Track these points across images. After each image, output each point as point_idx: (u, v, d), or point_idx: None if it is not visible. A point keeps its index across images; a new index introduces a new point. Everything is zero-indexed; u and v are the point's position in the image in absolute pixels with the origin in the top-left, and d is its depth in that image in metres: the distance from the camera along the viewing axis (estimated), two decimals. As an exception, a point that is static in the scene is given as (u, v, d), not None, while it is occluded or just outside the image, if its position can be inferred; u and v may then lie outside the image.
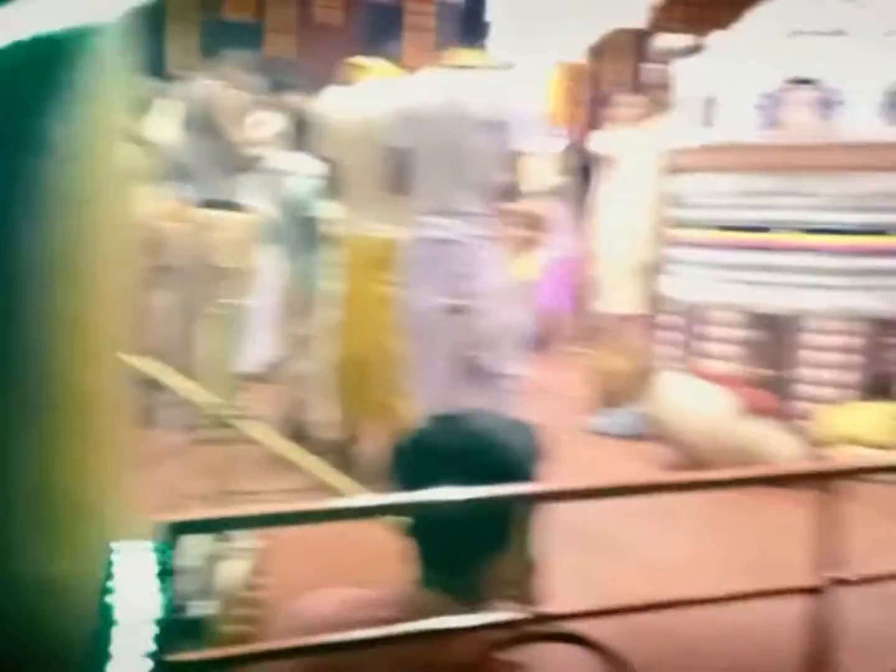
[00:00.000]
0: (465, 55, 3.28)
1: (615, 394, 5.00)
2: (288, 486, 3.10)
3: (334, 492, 2.74)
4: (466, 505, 1.02)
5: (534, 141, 3.24)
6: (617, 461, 4.31)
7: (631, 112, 6.20)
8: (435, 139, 3.22)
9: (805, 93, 4.06)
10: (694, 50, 5.59)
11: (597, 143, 6.26)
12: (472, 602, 1.17)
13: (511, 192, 3.33)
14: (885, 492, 3.60)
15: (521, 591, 1.99)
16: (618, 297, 6.43)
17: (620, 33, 6.58)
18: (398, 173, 3.28)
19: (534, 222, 3.42)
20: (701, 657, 2.35)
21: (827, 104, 4.00)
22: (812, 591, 0.93)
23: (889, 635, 2.50)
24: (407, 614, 1.25)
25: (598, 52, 6.53)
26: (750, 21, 4.52)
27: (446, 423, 1.30)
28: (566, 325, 6.93)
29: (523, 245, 3.64)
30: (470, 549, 1.21)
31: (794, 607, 1.00)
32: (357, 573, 1.49)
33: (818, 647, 0.93)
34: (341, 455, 3.89)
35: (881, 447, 3.95)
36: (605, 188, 6.33)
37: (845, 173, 4.01)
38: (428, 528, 1.23)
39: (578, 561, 3.03)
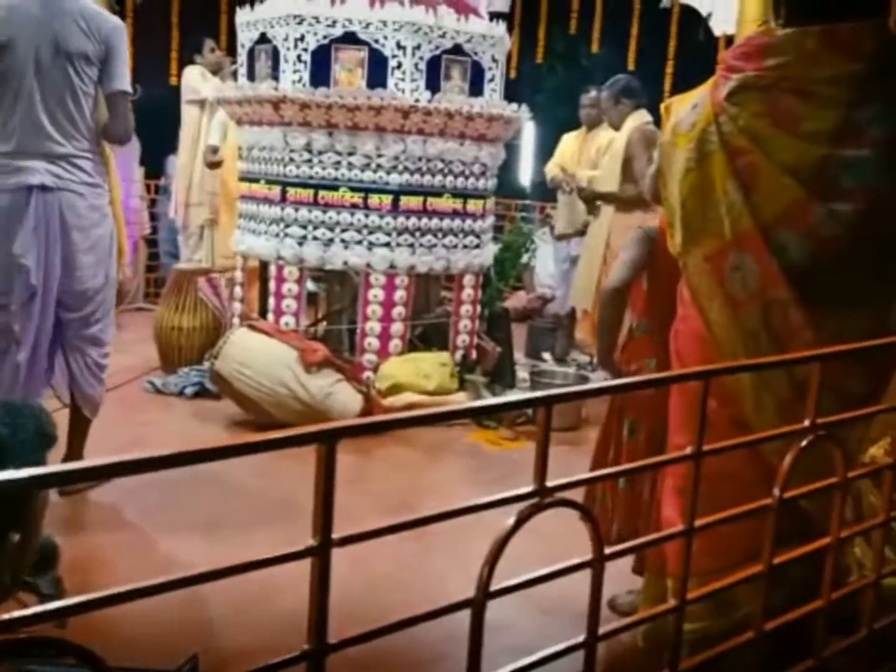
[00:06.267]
0: None
1: (181, 351, 4.83)
2: None
3: None
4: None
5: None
6: (181, 421, 4.16)
7: (213, 57, 6.01)
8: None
9: (354, 52, 4.19)
10: None
11: (192, 78, 5.97)
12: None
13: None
14: (436, 433, 3.96)
15: (37, 576, 1.79)
16: (192, 249, 6.24)
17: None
18: None
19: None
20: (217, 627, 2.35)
21: (375, 65, 4.17)
22: (309, 552, 0.93)
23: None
24: None
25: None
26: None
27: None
28: (131, 279, 6.52)
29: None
30: None
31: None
32: None
33: (316, 608, 0.93)
34: None
35: (432, 392, 4.30)
36: (189, 128, 6.04)
37: (391, 135, 4.23)
38: None
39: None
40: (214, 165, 5.65)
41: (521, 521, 1.07)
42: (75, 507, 3.02)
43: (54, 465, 0.80)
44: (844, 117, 1.63)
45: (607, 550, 1.19)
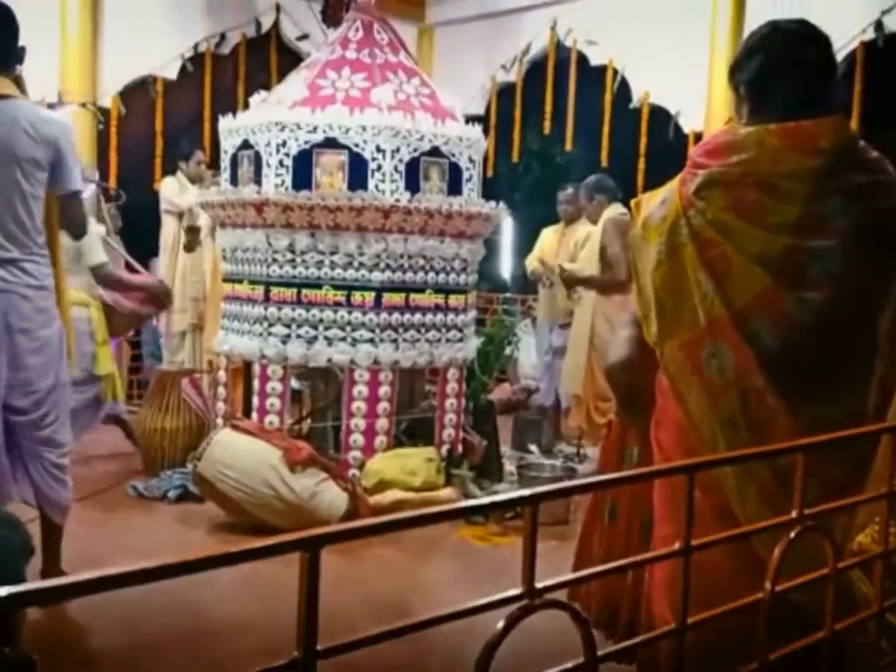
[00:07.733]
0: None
1: (164, 453, 4.78)
2: None
3: None
4: None
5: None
6: (165, 526, 4.09)
7: (196, 169, 6.12)
8: None
9: (335, 156, 4.30)
10: None
11: (169, 190, 6.06)
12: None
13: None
14: (424, 530, 3.89)
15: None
16: (174, 351, 6.24)
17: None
18: None
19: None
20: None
21: (356, 168, 4.28)
22: (291, 666, 0.90)
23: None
24: None
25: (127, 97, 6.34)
26: (286, 84, 4.70)
27: None
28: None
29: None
30: None
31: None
32: None
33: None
34: None
35: (418, 488, 4.25)
36: (168, 237, 6.12)
37: (372, 234, 4.31)
38: None
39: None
40: (192, 230, 5.65)
41: (511, 625, 1.05)
42: (53, 618, 2.93)
43: (47, 581, 0.79)
44: (807, 210, 1.69)
45: (600, 653, 1.17)
